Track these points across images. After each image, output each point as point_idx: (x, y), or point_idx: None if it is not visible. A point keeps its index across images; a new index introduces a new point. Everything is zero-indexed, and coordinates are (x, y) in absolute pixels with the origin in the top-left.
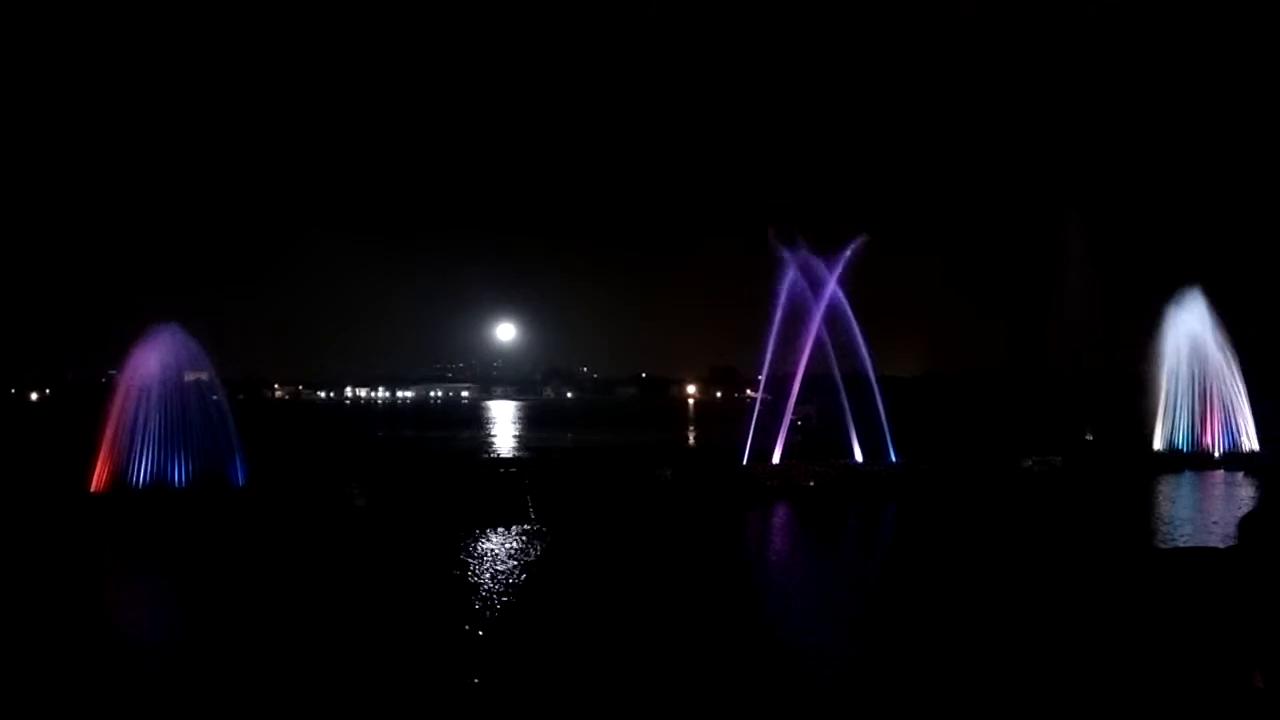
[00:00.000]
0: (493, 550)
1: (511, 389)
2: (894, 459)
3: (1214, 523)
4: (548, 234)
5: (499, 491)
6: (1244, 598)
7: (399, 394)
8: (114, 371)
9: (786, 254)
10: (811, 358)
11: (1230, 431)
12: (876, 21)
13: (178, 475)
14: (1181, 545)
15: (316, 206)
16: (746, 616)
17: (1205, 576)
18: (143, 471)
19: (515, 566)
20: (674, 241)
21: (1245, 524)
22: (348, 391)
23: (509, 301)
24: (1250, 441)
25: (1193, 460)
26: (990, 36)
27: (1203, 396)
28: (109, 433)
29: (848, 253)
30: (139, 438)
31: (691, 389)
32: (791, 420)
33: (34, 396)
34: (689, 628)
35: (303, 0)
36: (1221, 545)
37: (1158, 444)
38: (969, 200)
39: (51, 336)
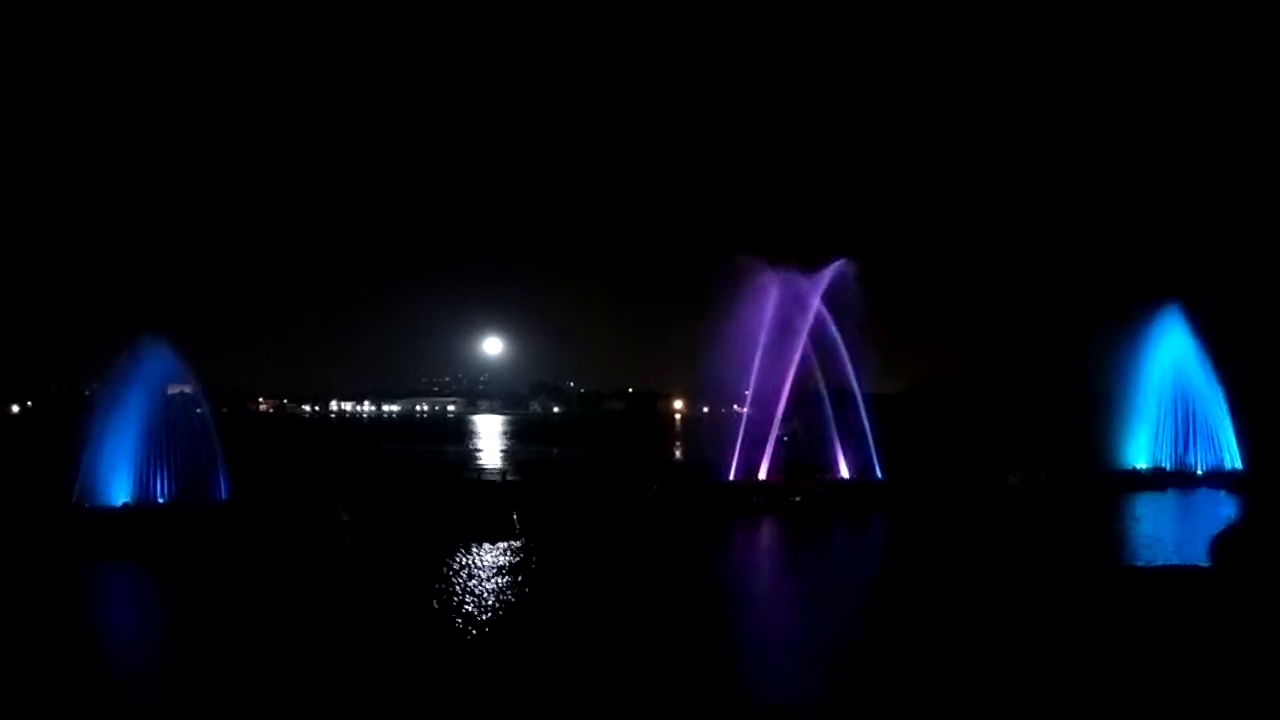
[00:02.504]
0: (477, 566)
1: (497, 403)
2: (880, 475)
3: (1187, 543)
4: (535, 248)
5: (484, 506)
6: (1220, 615)
7: (384, 408)
8: (97, 384)
9: (766, 278)
10: (798, 374)
11: (1213, 449)
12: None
13: (160, 489)
14: (1161, 564)
15: (303, 220)
16: (727, 639)
17: (1184, 595)
18: (125, 485)
19: (499, 584)
20: (663, 256)
21: (1218, 544)
22: (333, 405)
23: (496, 315)
24: (1233, 459)
25: (1176, 478)
26: (976, 42)
27: (1185, 414)
28: (91, 446)
29: (829, 272)
30: (121, 451)
31: (679, 404)
32: (778, 436)
33: (15, 409)
34: (669, 648)
35: (292, 9)
36: (1200, 565)
37: (1142, 462)
38: (957, 215)
39: (34, 348)
